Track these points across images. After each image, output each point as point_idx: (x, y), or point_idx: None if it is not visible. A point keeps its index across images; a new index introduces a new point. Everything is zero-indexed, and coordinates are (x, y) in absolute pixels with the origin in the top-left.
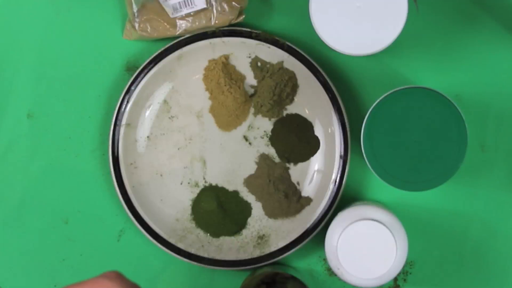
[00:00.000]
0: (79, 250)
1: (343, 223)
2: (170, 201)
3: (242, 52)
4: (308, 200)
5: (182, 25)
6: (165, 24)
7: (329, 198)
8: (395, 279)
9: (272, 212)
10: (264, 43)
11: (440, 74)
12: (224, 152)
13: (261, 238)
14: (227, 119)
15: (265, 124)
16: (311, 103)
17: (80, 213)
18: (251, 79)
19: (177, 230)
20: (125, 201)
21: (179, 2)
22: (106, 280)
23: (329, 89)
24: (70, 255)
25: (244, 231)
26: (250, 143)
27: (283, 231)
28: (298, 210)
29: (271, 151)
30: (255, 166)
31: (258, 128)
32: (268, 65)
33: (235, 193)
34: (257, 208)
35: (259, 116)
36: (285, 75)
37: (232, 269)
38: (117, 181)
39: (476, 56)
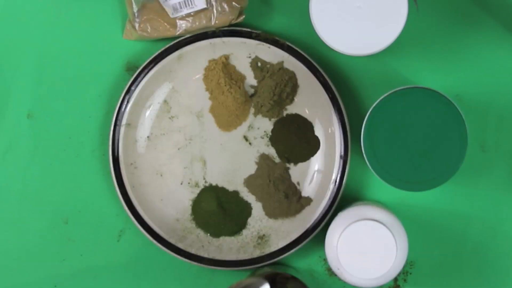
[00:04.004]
0: (79, 250)
1: (343, 223)
2: (170, 201)
3: (242, 52)
4: (308, 200)
5: (182, 25)
6: (165, 24)
7: (329, 198)
8: (395, 279)
9: (272, 212)
10: (264, 43)
11: (440, 74)
12: (224, 152)
13: (261, 238)
14: (227, 119)
15: (265, 124)
16: (311, 103)
17: (80, 213)
18: (251, 79)
19: (177, 230)
20: (125, 201)
21: (179, 2)
22: None
23: (329, 89)
24: (70, 255)
25: (244, 231)
26: (250, 143)
27: (283, 231)
28: (298, 210)
29: (271, 151)
30: (255, 166)
31: (258, 128)
32: (268, 65)
33: (235, 193)
34: (257, 208)
35: (259, 116)
36: (285, 75)
37: (232, 269)
38: (117, 181)
39: (476, 56)
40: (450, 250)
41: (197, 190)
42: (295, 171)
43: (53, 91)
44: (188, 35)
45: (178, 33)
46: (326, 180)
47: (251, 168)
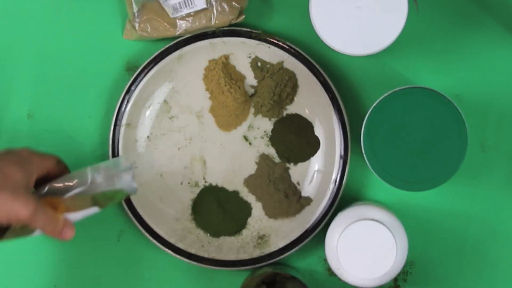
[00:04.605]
0: (79, 250)
1: (343, 223)
2: (170, 201)
3: (242, 52)
4: (308, 200)
5: (182, 25)
6: (165, 24)
7: (329, 198)
8: (395, 279)
9: (272, 212)
10: (264, 43)
11: (440, 74)
12: (224, 152)
13: (261, 238)
14: (227, 119)
15: (265, 124)
16: (311, 103)
17: None
18: (251, 79)
19: (177, 230)
20: (125, 201)
21: (179, 2)
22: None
23: (329, 89)
24: (70, 255)
25: (244, 231)
26: (250, 143)
27: (283, 231)
28: (298, 210)
29: (271, 151)
30: (255, 166)
31: (258, 128)
32: (268, 65)
33: (235, 193)
34: (257, 208)
35: (259, 116)
36: (285, 75)
37: (232, 269)
38: None
39: (476, 56)
40: (450, 250)
41: (197, 190)
42: (295, 171)
43: (53, 91)
44: (188, 35)
45: (178, 33)
46: (326, 180)
47: (251, 168)
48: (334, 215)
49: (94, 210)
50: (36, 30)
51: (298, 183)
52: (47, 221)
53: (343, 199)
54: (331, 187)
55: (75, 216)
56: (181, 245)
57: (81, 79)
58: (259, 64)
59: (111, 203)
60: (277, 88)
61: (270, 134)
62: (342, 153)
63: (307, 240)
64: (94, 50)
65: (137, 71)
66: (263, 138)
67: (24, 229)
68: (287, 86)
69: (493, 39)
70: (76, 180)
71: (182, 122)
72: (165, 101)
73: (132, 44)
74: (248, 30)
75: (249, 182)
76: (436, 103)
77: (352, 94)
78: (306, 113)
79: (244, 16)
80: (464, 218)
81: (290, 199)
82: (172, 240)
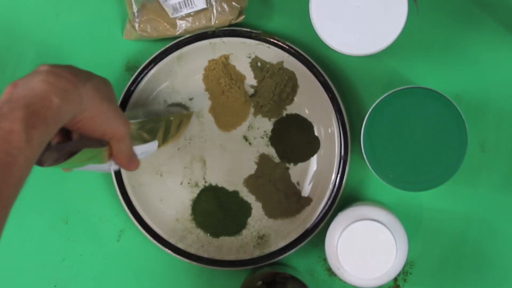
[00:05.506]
0: (79, 250)
1: (343, 223)
2: (170, 201)
3: (242, 52)
4: (308, 200)
5: (182, 25)
6: (165, 24)
7: (329, 198)
8: (395, 279)
9: (272, 212)
10: (264, 43)
11: (440, 74)
12: (224, 152)
13: (261, 238)
14: (227, 119)
15: (265, 124)
16: (311, 103)
17: (80, 213)
18: (251, 79)
19: (177, 230)
20: (125, 201)
21: (179, 2)
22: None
23: (329, 89)
24: (70, 255)
25: (244, 231)
26: (250, 143)
27: (283, 231)
28: (298, 210)
29: (271, 151)
30: (255, 166)
31: (258, 128)
32: (268, 65)
33: (235, 193)
34: (257, 208)
35: (259, 116)
36: (285, 75)
37: (232, 269)
38: (117, 181)
39: (476, 56)
40: (450, 250)
41: (197, 190)
42: (295, 171)
43: None
44: (188, 35)
45: (178, 33)
46: (326, 180)
47: (251, 168)
48: (334, 215)
49: (154, 146)
50: (36, 30)
51: (298, 183)
52: (128, 145)
53: (343, 199)
54: (331, 187)
55: (135, 150)
56: (181, 245)
57: None
58: (259, 64)
59: (179, 128)
60: (277, 88)
61: (270, 134)
62: (342, 153)
63: (307, 240)
64: (94, 50)
65: (137, 71)
66: (263, 138)
67: (101, 155)
68: (287, 86)
69: (493, 40)
70: (142, 111)
71: None
72: (165, 101)
73: (132, 44)
74: (248, 30)
75: (249, 182)
76: (436, 103)
77: (352, 94)
78: (306, 113)
79: (244, 16)
80: (464, 218)
81: (290, 199)
82: (172, 240)
